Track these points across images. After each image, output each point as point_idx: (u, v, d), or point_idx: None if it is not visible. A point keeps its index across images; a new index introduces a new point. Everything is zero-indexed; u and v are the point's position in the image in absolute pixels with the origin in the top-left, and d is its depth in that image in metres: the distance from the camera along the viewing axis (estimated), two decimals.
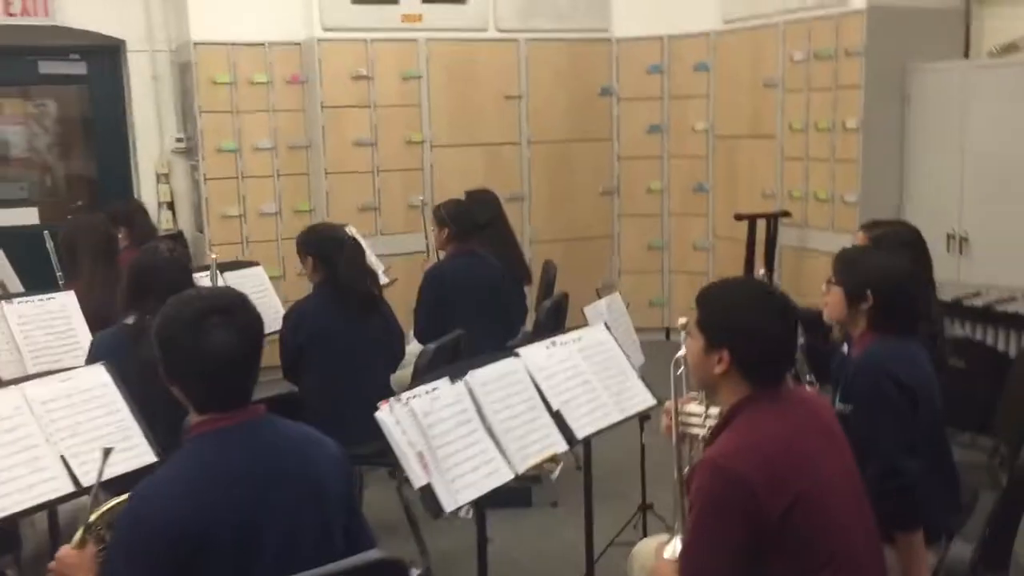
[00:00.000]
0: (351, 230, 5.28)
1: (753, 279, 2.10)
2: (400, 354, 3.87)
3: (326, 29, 6.19)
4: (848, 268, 2.59)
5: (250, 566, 1.78)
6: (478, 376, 2.69)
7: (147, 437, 2.59)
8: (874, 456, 2.35)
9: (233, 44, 6.06)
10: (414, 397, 2.51)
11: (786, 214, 6.12)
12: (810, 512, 1.90)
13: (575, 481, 3.44)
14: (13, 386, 2.41)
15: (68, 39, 6.31)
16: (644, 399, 3.19)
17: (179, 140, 6.43)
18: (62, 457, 2.37)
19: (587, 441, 3.00)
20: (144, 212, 5.10)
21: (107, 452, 2.05)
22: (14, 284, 4.74)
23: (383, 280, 5.02)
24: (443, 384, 2.61)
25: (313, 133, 6.28)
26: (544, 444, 2.76)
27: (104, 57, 6.47)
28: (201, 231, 6.32)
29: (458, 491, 2.46)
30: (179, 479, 1.84)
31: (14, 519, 2.35)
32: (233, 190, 6.21)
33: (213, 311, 1.91)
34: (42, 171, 6.81)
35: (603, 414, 2.98)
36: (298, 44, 6.21)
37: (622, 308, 3.78)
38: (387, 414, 2.43)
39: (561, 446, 2.80)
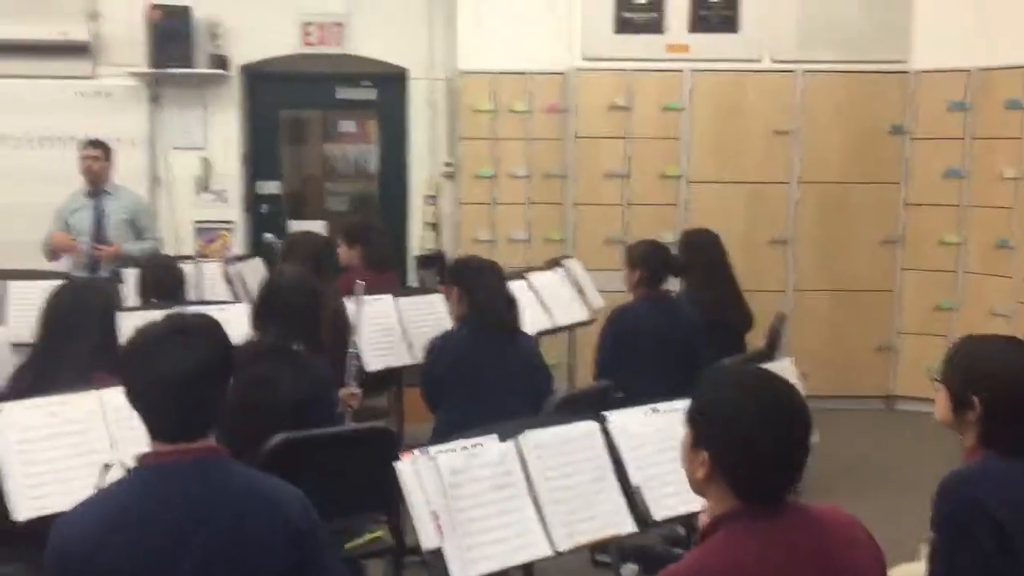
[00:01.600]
0: (570, 263, 5.21)
1: (764, 370, 1.70)
2: (546, 392, 3.69)
3: (586, 59, 6.15)
4: (954, 364, 2.03)
5: None
6: (533, 437, 2.47)
7: None
8: None
9: (497, 73, 6.20)
10: (445, 452, 2.36)
11: None
12: None
13: None
14: (92, 391, 2.58)
15: (360, 67, 6.83)
16: None
17: (447, 165, 6.70)
18: (122, 464, 2.50)
19: None
20: (380, 232, 5.33)
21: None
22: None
23: (582, 318, 4.88)
24: (489, 441, 2.43)
25: (568, 163, 6.25)
26: (603, 523, 2.48)
27: (391, 84, 6.91)
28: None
29: (474, 561, 2.27)
30: (96, 511, 1.84)
31: None
32: (487, 215, 6.35)
33: (172, 332, 1.89)
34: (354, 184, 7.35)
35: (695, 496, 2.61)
36: (559, 74, 6.21)
37: (790, 376, 3.31)
38: (408, 465, 2.31)
39: (626, 527, 2.50)
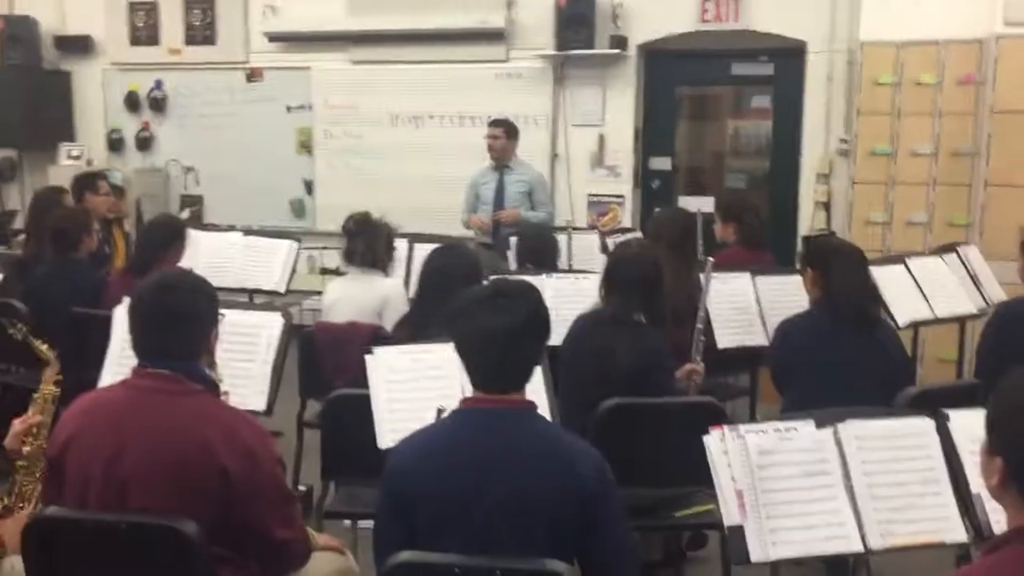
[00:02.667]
0: (966, 250, 4.77)
1: None
2: (902, 384, 3.41)
3: (1009, 24, 5.51)
4: None
5: (444, 537, 1.97)
6: (854, 428, 2.35)
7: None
8: None
9: (902, 43, 5.79)
10: (757, 432, 2.33)
11: None
12: None
13: None
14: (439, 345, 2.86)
15: (757, 42, 6.71)
16: None
17: (843, 141, 6.38)
18: None
19: None
20: (756, 212, 5.24)
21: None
22: None
23: (970, 310, 4.44)
24: (804, 426, 2.36)
25: (981, 140, 5.67)
26: (929, 527, 2.30)
27: (788, 59, 6.71)
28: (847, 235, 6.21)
29: (775, 543, 2.24)
30: (422, 441, 2.09)
31: None
32: (883, 195, 5.97)
33: (494, 295, 2.09)
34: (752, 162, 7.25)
35: None
36: (975, 41, 5.64)
37: None
38: (716, 440, 2.32)
39: (955, 536, 2.30)
